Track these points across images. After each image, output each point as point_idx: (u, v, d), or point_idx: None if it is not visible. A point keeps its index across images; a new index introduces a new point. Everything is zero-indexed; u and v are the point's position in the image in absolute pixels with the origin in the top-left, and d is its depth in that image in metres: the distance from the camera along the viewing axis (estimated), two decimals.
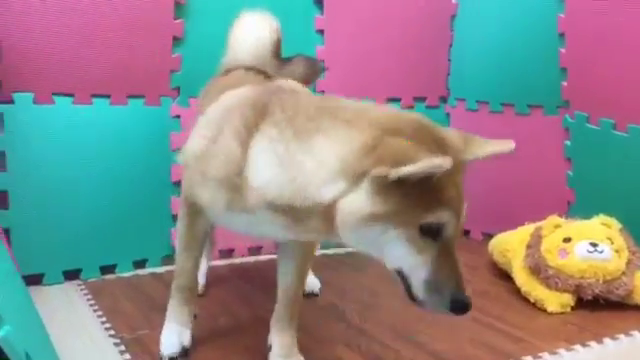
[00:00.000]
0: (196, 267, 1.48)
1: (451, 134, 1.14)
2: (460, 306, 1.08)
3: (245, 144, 1.18)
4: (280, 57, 1.72)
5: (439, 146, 1.08)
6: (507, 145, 1.18)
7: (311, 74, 1.78)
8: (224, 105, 1.33)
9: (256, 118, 1.19)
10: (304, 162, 1.10)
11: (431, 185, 1.03)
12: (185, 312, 1.48)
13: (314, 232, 1.16)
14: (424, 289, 1.08)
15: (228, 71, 1.65)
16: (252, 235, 1.40)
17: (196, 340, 1.51)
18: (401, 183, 1.01)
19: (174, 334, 1.45)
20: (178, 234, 1.45)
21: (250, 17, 1.72)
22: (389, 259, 1.09)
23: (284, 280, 1.45)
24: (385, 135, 1.06)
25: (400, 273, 1.10)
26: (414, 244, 1.06)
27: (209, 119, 1.32)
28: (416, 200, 1.04)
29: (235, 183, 1.19)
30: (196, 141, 1.30)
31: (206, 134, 1.28)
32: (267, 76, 1.62)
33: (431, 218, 1.05)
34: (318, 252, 2.30)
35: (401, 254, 1.07)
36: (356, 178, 1.05)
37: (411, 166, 0.98)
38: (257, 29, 1.70)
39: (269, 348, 1.45)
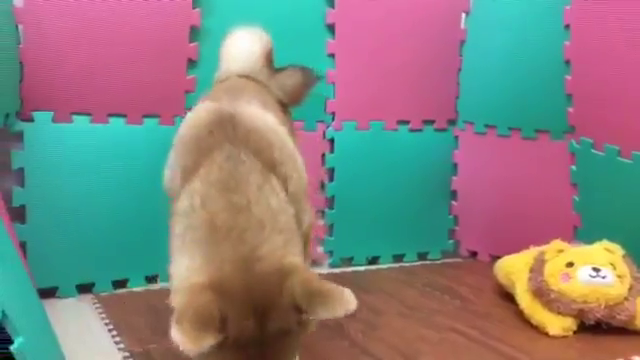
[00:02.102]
0: None
1: (297, 291, 1.03)
2: None
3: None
4: (272, 67, 1.75)
5: (261, 309, 1.01)
6: (345, 307, 1.02)
7: (306, 83, 1.78)
8: (180, 130, 1.35)
9: (194, 168, 1.21)
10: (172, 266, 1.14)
11: (232, 352, 1.00)
12: None
13: None
14: None
15: (222, 82, 1.69)
16: None
17: None
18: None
19: None
20: None
21: (241, 31, 1.76)
22: None
23: None
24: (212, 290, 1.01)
25: None
26: None
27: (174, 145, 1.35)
28: None
29: None
30: (165, 172, 1.37)
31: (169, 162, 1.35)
32: (259, 82, 1.66)
33: None
34: (325, 271, 2.35)
35: None
36: None
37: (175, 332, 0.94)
38: (248, 41, 1.74)
39: None
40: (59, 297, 1.95)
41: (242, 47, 1.74)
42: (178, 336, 0.94)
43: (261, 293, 1.02)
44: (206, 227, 1.10)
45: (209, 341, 0.95)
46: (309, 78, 1.79)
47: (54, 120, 1.95)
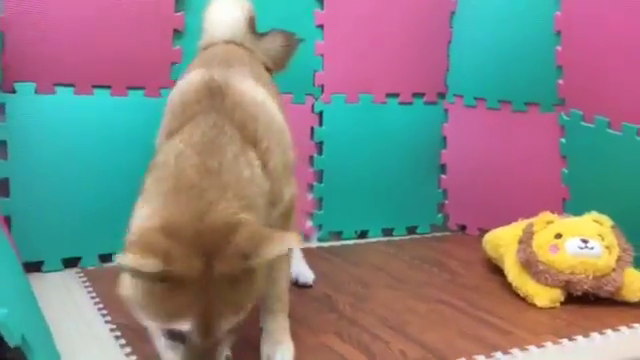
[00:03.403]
0: None
1: (243, 238, 1.05)
2: None
3: None
4: (256, 32, 1.76)
5: (207, 252, 1.02)
6: (289, 242, 1.07)
7: (288, 47, 1.79)
8: (174, 93, 1.39)
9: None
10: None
11: (179, 291, 1.01)
12: None
13: None
14: None
15: (206, 49, 1.69)
16: None
17: None
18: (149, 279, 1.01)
19: None
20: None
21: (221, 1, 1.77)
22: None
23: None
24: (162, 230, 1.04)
25: None
26: (162, 340, 1.09)
27: (167, 107, 1.40)
28: (161, 303, 1.03)
29: None
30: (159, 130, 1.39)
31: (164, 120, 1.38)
32: (245, 48, 1.67)
33: (173, 325, 1.04)
34: (314, 245, 2.34)
35: (159, 346, 1.10)
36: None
37: (121, 257, 0.98)
38: (230, 8, 1.75)
39: (260, 331, 1.46)
40: (45, 271, 1.93)
41: (225, 14, 1.74)
42: (124, 259, 0.97)
43: (209, 239, 1.04)
44: (172, 180, 1.13)
45: (153, 266, 0.97)
46: (291, 41, 1.80)
47: (37, 91, 1.91)
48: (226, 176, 1.14)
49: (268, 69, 1.72)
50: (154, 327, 1.09)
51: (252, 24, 1.75)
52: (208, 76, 1.32)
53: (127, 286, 1.09)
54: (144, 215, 1.12)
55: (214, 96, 1.26)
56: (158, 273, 0.99)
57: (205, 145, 1.17)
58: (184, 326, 1.03)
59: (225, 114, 1.24)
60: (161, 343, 1.10)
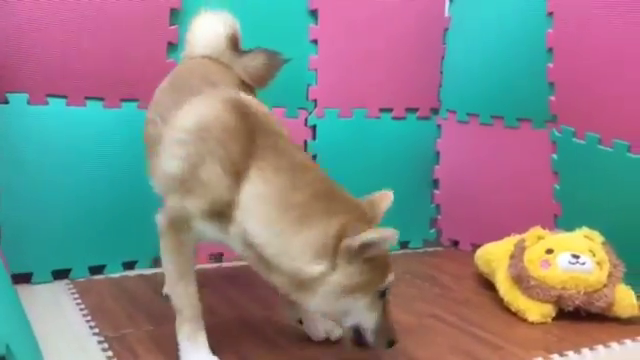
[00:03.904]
0: (197, 291, 1.45)
1: (369, 208, 1.38)
2: (392, 344, 1.41)
3: (234, 179, 1.32)
4: (238, 49, 1.77)
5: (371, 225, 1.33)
6: (388, 195, 1.43)
7: (269, 67, 1.80)
8: (194, 122, 1.36)
9: (243, 156, 1.32)
10: (293, 240, 1.28)
11: (380, 259, 1.32)
12: (202, 337, 1.43)
13: (275, 282, 1.35)
14: (373, 336, 1.38)
15: (182, 61, 1.76)
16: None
17: (176, 340, 1.54)
18: (367, 260, 1.28)
19: None
20: (168, 268, 1.44)
21: (206, 14, 1.81)
22: (350, 320, 1.36)
23: None
24: (349, 223, 1.29)
25: (355, 327, 1.38)
26: (373, 306, 1.35)
27: (180, 139, 1.37)
28: (375, 271, 1.32)
29: (220, 207, 1.33)
30: (171, 164, 1.37)
31: (181, 154, 1.36)
32: (220, 63, 1.71)
33: (385, 283, 1.35)
34: None
35: (362, 315, 1.36)
36: (335, 260, 1.28)
37: (368, 234, 1.25)
38: (212, 24, 1.78)
39: (299, 321, 1.60)
40: (34, 283, 1.91)
41: (206, 30, 1.79)
42: (370, 234, 1.26)
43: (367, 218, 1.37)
44: (311, 192, 1.33)
45: (388, 233, 1.27)
46: (274, 60, 1.81)
47: (29, 102, 1.91)
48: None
49: (248, 85, 1.73)
50: (364, 304, 1.33)
51: (234, 41, 1.77)
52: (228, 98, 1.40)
53: (342, 284, 1.29)
54: (322, 227, 1.29)
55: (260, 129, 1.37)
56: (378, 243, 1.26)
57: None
58: (391, 278, 1.36)
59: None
60: (363, 314, 1.35)
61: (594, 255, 1.82)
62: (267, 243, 1.30)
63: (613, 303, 1.78)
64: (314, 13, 2.30)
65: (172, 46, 2.08)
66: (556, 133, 2.24)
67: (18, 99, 1.89)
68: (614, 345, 1.66)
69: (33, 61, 1.89)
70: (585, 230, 1.91)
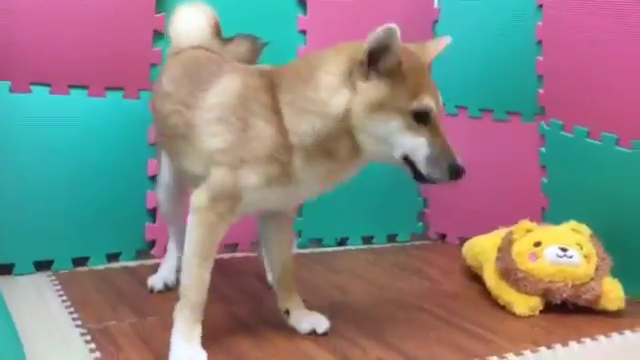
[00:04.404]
0: (209, 281, 1.44)
1: (418, 49, 1.42)
2: (456, 171, 1.35)
3: (275, 119, 1.37)
4: (221, 37, 1.80)
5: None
6: (444, 40, 1.49)
7: (253, 52, 1.84)
8: (226, 101, 1.42)
9: (272, 98, 1.39)
10: (314, 95, 1.34)
11: (410, 80, 1.31)
12: (198, 330, 1.42)
13: (346, 163, 1.39)
14: (426, 164, 1.33)
15: (177, 54, 1.74)
16: (280, 207, 1.53)
17: (161, 332, 1.52)
18: (386, 75, 1.30)
19: (198, 355, 1.38)
20: (194, 247, 1.41)
21: (184, 7, 1.82)
22: (396, 149, 1.34)
23: (279, 254, 1.61)
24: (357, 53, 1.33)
25: (406, 159, 1.35)
26: (411, 130, 1.32)
27: (218, 117, 1.41)
28: (403, 91, 1.31)
29: (279, 157, 1.37)
30: (214, 140, 1.41)
31: (221, 130, 1.40)
32: (212, 52, 1.72)
33: (417, 104, 1.31)
34: (295, 252, 2.31)
35: (404, 141, 1.33)
36: (351, 83, 1.32)
37: (371, 37, 1.29)
38: (193, 16, 1.80)
39: (286, 312, 1.59)
40: (16, 274, 1.88)
41: (189, 21, 1.80)
42: (389, 27, 1.31)
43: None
44: (310, 60, 1.43)
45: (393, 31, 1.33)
46: (256, 45, 1.85)
47: (11, 90, 1.87)
48: None
49: None
50: (397, 126, 1.32)
51: (217, 30, 1.80)
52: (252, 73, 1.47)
53: (364, 101, 1.31)
54: (330, 67, 1.36)
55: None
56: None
57: None
58: (428, 101, 1.32)
59: None
60: (404, 139, 1.33)
61: (582, 248, 1.82)
62: (307, 120, 1.35)
63: (600, 296, 1.78)
64: (303, 3, 2.28)
65: (158, 34, 2.05)
66: (545, 126, 2.23)
67: (0, 87, 1.85)
68: (601, 338, 1.66)
69: (16, 48, 1.85)
70: (573, 223, 1.91)
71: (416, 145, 1.33)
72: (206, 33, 1.78)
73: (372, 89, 1.31)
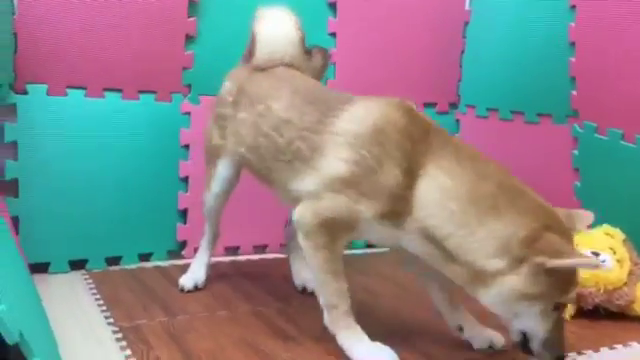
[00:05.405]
0: (347, 284, 1.46)
1: (565, 219, 1.36)
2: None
3: (411, 178, 1.33)
4: (306, 50, 1.76)
5: (569, 239, 1.33)
6: (590, 217, 1.44)
7: (325, 64, 1.82)
8: (359, 130, 1.38)
9: (419, 155, 1.34)
10: (477, 231, 1.29)
11: (569, 272, 1.30)
12: (360, 329, 1.45)
13: (452, 273, 1.36)
14: (540, 346, 1.36)
15: (264, 68, 1.68)
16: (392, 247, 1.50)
17: (190, 331, 1.54)
18: (551, 272, 1.25)
19: (379, 349, 1.43)
20: (323, 268, 1.43)
21: (274, 13, 1.75)
22: (520, 325, 1.36)
23: (439, 278, 1.52)
24: (543, 230, 1.28)
25: (523, 332, 1.37)
26: (546, 316, 1.33)
27: (349, 143, 1.37)
28: (559, 284, 1.29)
29: (396, 206, 1.34)
30: (339, 165, 1.37)
31: (350, 157, 1.36)
32: (304, 72, 1.70)
33: (566, 298, 1.34)
34: None
35: (533, 323, 1.34)
36: (516, 262, 1.27)
37: (569, 260, 1.25)
38: (286, 25, 1.73)
39: (460, 329, 1.57)
40: (51, 273, 1.93)
41: (282, 32, 1.73)
42: (592, 260, 1.38)
43: (567, 231, 1.35)
44: (495, 187, 1.33)
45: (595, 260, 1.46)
46: (326, 58, 1.82)
47: (48, 93, 1.92)
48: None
49: None
50: (538, 311, 1.32)
51: (304, 43, 1.74)
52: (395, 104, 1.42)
53: (519, 289, 1.28)
54: (509, 225, 1.29)
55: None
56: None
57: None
58: (573, 295, 1.35)
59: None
60: (535, 322, 1.33)
61: (615, 253, 1.78)
62: (451, 234, 1.30)
63: (633, 301, 1.75)
64: (333, 6, 2.29)
65: (190, 38, 2.08)
66: (577, 129, 2.20)
67: (37, 90, 1.90)
68: (634, 344, 1.63)
69: (53, 52, 1.90)
70: (606, 227, 1.87)
71: (541, 328, 1.34)
72: (297, 50, 1.72)
73: (532, 284, 1.27)
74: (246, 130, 1.63)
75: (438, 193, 1.32)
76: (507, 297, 1.29)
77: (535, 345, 1.36)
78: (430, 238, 1.34)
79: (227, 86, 1.77)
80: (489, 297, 1.31)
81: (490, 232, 1.28)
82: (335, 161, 1.38)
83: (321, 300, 1.47)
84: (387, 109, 1.39)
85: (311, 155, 1.43)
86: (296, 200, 1.45)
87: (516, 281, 1.27)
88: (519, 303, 1.30)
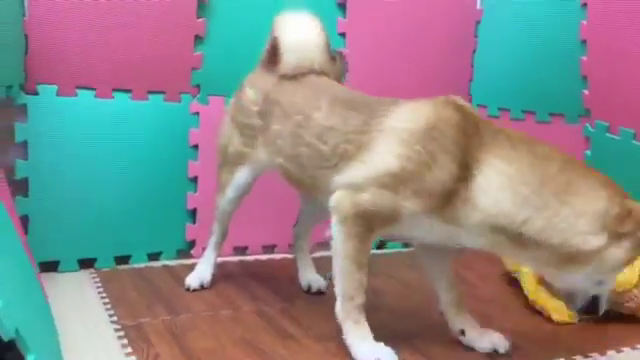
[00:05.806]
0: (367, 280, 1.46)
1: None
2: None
3: (465, 169, 1.33)
4: (331, 55, 1.75)
5: None
6: None
7: (345, 68, 1.83)
8: (411, 127, 1.38)
9: (472, 148, 1.34)
10: (561, 210, 1.28)
11: None
12: (368, 328, 1.46)
13: (530, 260, 1.38)
14: (605, 303, 1.42)
15: (292, 75, 1.67)
16: (435, 242, 1.48)
17: (192, 329, 1.55)
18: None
19: (381, 350, 1.43)
20: (350, 256, 1.43)
21: (298, 18, 1.73)
22: (599, 290, 1.39)
23: (445, 280, 1.58)
24: (624, 200, 1.32)
25: (596, 296, 1.41)
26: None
27: (402, 139, 1.37)
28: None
29: (450, 201, 1.33)
30: (390, 160, 1.37)
31: (403, 153, 1.36)
32: (328, 76, 1.69)
33: None
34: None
35: (610, 285, 1.39)
36: (617, 236, 1.27)
37: None
38: (311, 32, 1.71)
39: (461, 332, 1.56)
40: (60, 271, 1.95)
41: (310, 38, 1.70)
42: None
43: None
44: (558, 166, 1.33)
45: None
46: (344, 62, 1.82)
47: (58, 93, 1.94)
48: None
49: None
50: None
51: (329, 48, 1.73)
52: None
53: (620, 261, 1.31)
54: (594, 201, 1.29)
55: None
56: None
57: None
58: None
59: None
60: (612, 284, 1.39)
61: None
62: (530, 218, 1.29)
63: None
64: (342, 6, 2.28)
65: (199, 39, 2.09)
66: (590, 128, 2.17)
67: (48, 90, 1.93)
68: None
69: (63, 54, 1.92)
70: None
71: (612, 287, 1.42)
72: (324, 54, 1.70)
73: (634, 248, 1.30)
74: (283, 141, 1.61)
75: (503, 180, 1.31)
76: (606, 270, 1.31)
77: (602, 304, 1.41)
78: (500, 228, 1.32)
79: (249, 94, 1.74)
80: (581, 276, 1.32)
81: (576, 209, 1.28)
82: (386, 156, 1.38)
83: (338, 289, 1.45)
84: (437, 106, 1.40)
85: (357, 152, 1.43)
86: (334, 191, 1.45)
87: (619, 254, 1.29)
88: (613, 273, 1.34)
